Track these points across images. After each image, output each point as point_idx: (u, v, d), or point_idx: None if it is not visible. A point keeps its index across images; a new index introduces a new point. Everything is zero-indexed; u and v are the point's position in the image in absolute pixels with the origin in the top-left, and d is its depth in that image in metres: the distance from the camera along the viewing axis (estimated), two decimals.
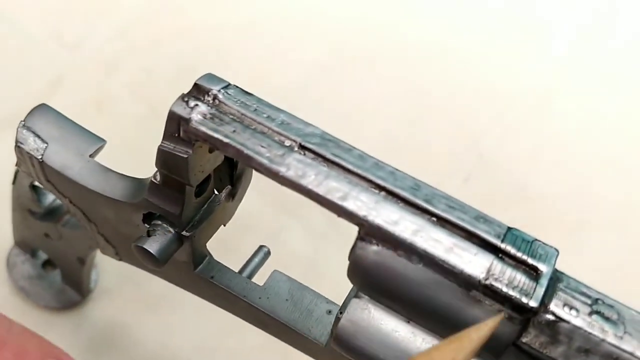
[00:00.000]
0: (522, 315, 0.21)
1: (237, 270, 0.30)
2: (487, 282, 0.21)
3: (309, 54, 0.55)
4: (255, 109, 0.24)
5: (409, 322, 0.23)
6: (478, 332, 0.20)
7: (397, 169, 0.23)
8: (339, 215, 0.22)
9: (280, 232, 0.45)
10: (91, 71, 0.52)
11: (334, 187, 0.22)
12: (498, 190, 0.50)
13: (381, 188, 0.22)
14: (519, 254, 0.21)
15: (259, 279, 0.30)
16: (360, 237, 0.22)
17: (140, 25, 0.55)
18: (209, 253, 0.30)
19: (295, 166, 0.22)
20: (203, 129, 0.23)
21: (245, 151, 0.23)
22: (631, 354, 0.20)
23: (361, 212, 0.22)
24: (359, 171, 0.22)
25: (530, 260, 0.21)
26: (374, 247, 0.22)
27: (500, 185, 0.50)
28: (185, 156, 0.24)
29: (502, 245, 0.21)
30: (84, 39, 0.53)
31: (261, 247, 0.31)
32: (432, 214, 0.22)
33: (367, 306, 0.23)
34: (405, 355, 0.22)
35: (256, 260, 0.31)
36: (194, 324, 0.43)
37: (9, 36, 0.52)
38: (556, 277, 0.21)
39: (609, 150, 0.52)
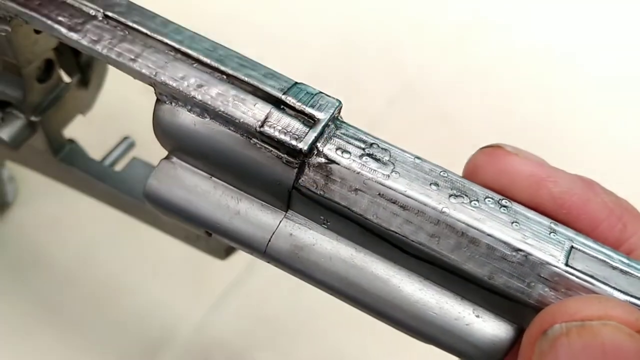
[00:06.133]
0: (296, 158, 0.22)
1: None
2: (262, 129, 0.22)
3: None
4: None
5: (211, 177, 0.24)
6: None
7: (198, 34, 0.24)
8: (134, 76, 0.23)
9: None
10: None
11: (128, 49, 0.23)
12: (421, 112, 0.51)
13: (176, 50, 0.23)
14: (297, 104, 0.22)
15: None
16: (157, 99, 0.23)
17: None
18: (74, 142, 0.32)
19: (92, 32, 0.23)
20: (9, 3, 0.24)
21: (48, 22, 0.24)
22: (395, 190, 0.21)
23: (150, 71, 0.23)
24: (157, 35, 0.23)
25: (308, 110, 0.22)
26: (168, 106, 0.23)
27: (422, 108, 0.51)
28: (4, 34, 0.25)
29: (284, 97, 0.22)
30: None
31: (125, 138, 0.33)
32: (221, 72, 0.23)
33: (174, 166, 0.24)
34: (208, 206, 0.24)
35: (119, 150, 0.32)
36: (116, 239, 0.44)
37: None
38: (335, 126, 0.22)
39: (525, 77, 0.53)
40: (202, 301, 0.42)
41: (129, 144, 0.33)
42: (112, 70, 0.33)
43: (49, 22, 0.24)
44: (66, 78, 0.30)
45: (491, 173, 0.22)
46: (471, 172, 0.23)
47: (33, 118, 0.29)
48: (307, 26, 0.54)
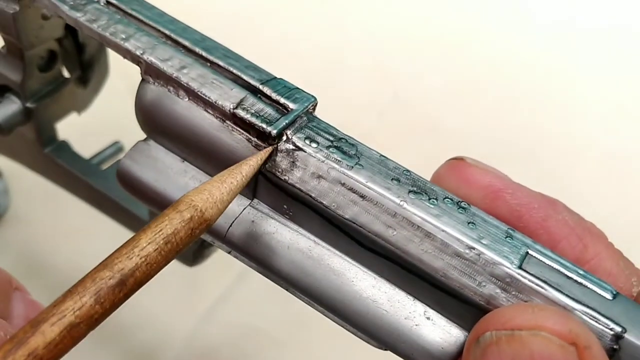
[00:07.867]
0: (265, 142, 0.22)
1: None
2: (236, 110, 0.22)
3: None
4: None
5: (183, 161, 0.24)
6: (245, 166, 0.21)
7: (190, 27, 0.25)
8: (123, 55, 0.24)
9: None
10: None
11: (121, 30, 0.24)
12: (410, 124, 0.52)
13: (167, 37, 0.25)
14: (273, 94, 0.23)
15: None
16: (142, 79, 0.24)
17: None
18: (64, 141, 0.32)
19: (92, 12, 0.25)
20: None
21: (53, 0, 0.25)
22: (356, 180, 0.21)
23: (139, 50, 0.24)
24: (151, 22, 0.25)
25: (283, 100, 0.23)
26: (151, 86, 0.24)
27: (412, 120, 0.52)
28: (12, 12, 0.27)
29: (261, 87, 0.23)
30: None
31: (115, 142, 0.34)
32: (205, 59, 0.24)
33: (149, 147, 0.25)
34: (175, 188, 0.24)
35: (107, 152, 0.33)
36: (107, 251, 0.44)
37: None
38: (308, 119, 0.23)
39: (513, 89, 0.55)
40: (193, 313, 0.42)
41: (117, 147, 0.33)
42: (110, 82, 0.34)
43: (55, 1, 0.25)
44: (67, 75, 0.32)
45: (452, 183, 0.23)
46: (435, 183, 0.23)
47: (29, 104, 0.30)
48: (296, 39, 0.56)
